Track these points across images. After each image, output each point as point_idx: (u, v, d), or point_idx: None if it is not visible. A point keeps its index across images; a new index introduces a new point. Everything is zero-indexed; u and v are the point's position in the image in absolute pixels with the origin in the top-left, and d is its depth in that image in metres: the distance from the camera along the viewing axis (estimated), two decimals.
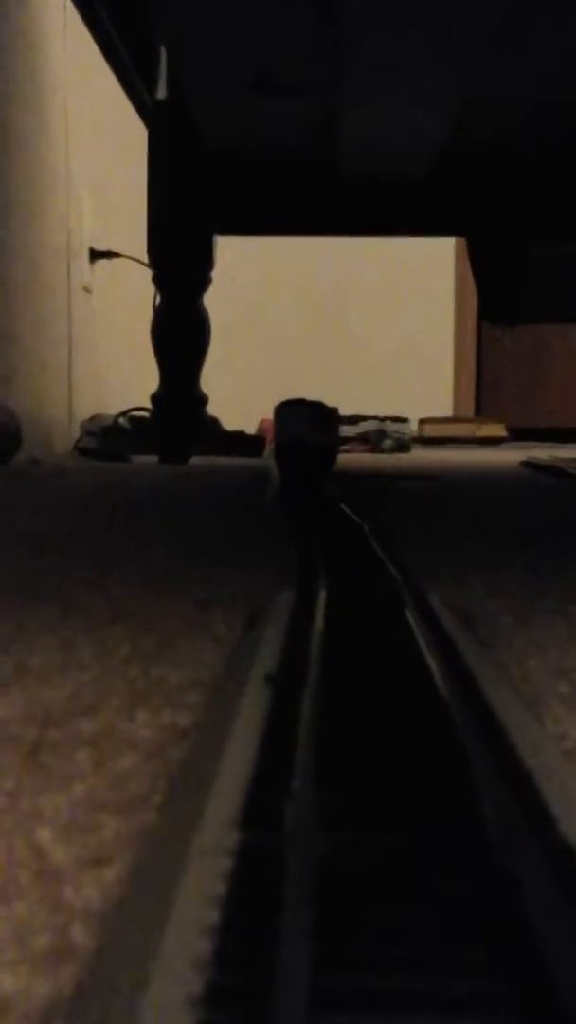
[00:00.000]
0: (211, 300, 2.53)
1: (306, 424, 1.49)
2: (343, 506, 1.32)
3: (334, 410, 1.52)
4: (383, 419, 3.90)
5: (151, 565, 0.93)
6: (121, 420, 2.84)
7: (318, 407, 1.50)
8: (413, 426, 3.98)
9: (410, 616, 0.60)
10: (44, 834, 0.34)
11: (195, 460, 2.55)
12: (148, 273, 2.52)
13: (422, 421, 4.05)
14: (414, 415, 3.94)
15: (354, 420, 3.75)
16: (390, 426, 3.81)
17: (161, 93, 2.32)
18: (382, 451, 3.15)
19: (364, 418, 3.80)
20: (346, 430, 3.65)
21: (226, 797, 0.32)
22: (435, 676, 0.47)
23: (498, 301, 2.49)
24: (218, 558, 0.99)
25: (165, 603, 0.73)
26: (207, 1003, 0.21)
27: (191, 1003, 0.21)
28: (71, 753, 0.41)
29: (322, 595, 0.67)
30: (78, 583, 0.82)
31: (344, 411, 3.51)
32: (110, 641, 0.61)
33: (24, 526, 1.27)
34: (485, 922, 0.24)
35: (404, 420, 3.94)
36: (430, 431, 3.96)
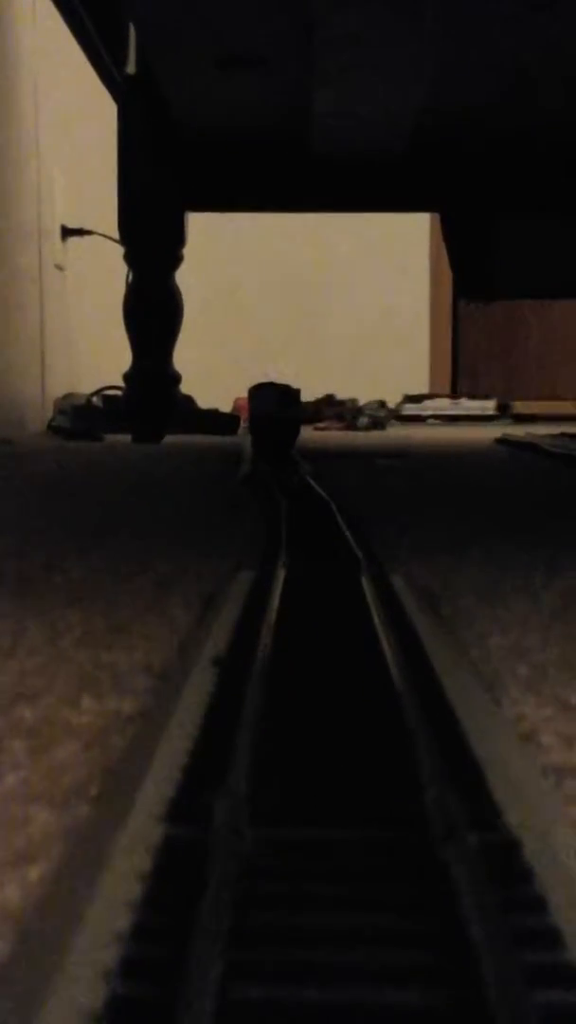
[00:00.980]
0: (184, 277, 2.51)
1: (275, 402, 1.79)
2: (313, 484, 1.31)
3: (297, 390, 1.81)
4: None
5: (115, 546, 0.92)
6: (94, 399, 2.82)
7: (285, 388, 1.79)
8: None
9: (369, 596, 0.58)
10: None
11: (169, 438, 2.52)
12: (121, 250, 2.49)
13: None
14: (391, 393, 3.91)
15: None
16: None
17: (131, 68, 2.30)
18: (357, 429, 3.14)
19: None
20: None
21: (157, 789, 0.31)
22: (389, 659, 0.45)
23: (473, 278, 2.47)
24: (184, 538, 0.97)
25: (124, 585, 0.71)
26: (108, 1017, 0.19)
27: (91, 1017, 0.19)
28: (8, 742, 0.40)
29: (281, 576, 0.65)
30: (37, 565, 0.80)
31: (322, 389, 3.50)
32: (62, 624, 0.60)
33: None
34: (414, 927, 0.23)
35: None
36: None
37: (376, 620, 0.53)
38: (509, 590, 0.70)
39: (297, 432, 1.82)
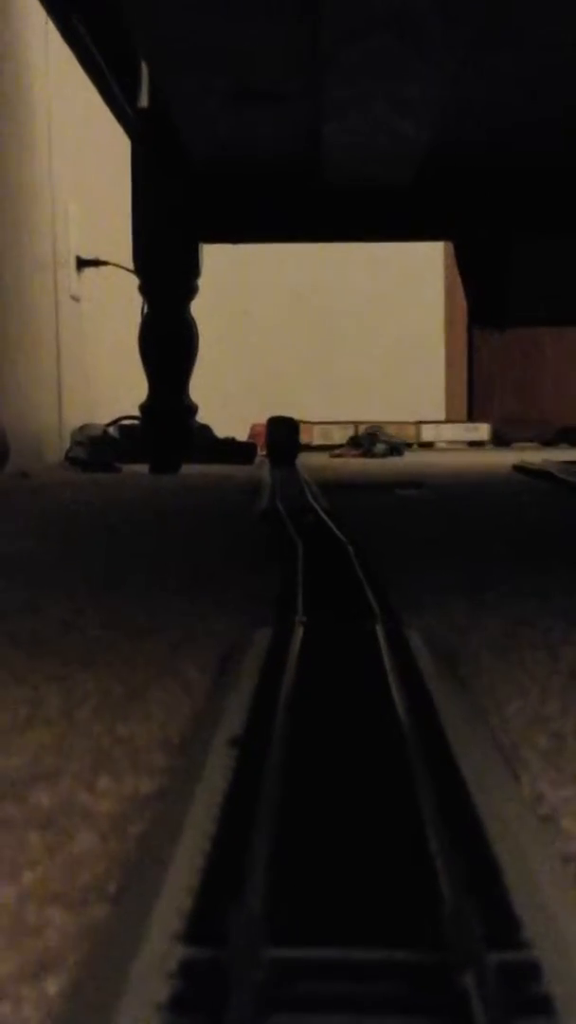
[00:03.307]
0: (200, 307, 2.51)
1: (285, 431, 2.74)
2: (328, 522, 1.31)
3: (299, 423, 2.82)
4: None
5: (130, 597, 0.91)
6: (111, 430, 2.83)
7: (291, 421, 2.76)
8: None
9: (387, 662, 0.58)
10: None
11: (187, 468, 2.53)
12: (137, 281, 2.50)
13: None
14: (406, 418, 3.92)
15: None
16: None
17: (143, 102, 2.31)
18: (374, 455, 3.14)
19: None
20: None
21: (175, 897, 0.31)
22: (406, 737, 0.45)
23: (487, 305, 2.47)
24: (199, 587, 0.97)
25: (139, 644, 0.71)
26: None
27: None
28: (24, 835, 0.40)
29: (298, 635, 0.65)
30: (52, 620, 0.80)
31: (335, 415, 3.51)
32: (79, 692, 0.60)
33: (5, 549, 1.25)
34: None
35: None
36: None
37: (393, 690, 0.52)
38: (528, 646, 0.69)
39: (298, 450, 2.76)
